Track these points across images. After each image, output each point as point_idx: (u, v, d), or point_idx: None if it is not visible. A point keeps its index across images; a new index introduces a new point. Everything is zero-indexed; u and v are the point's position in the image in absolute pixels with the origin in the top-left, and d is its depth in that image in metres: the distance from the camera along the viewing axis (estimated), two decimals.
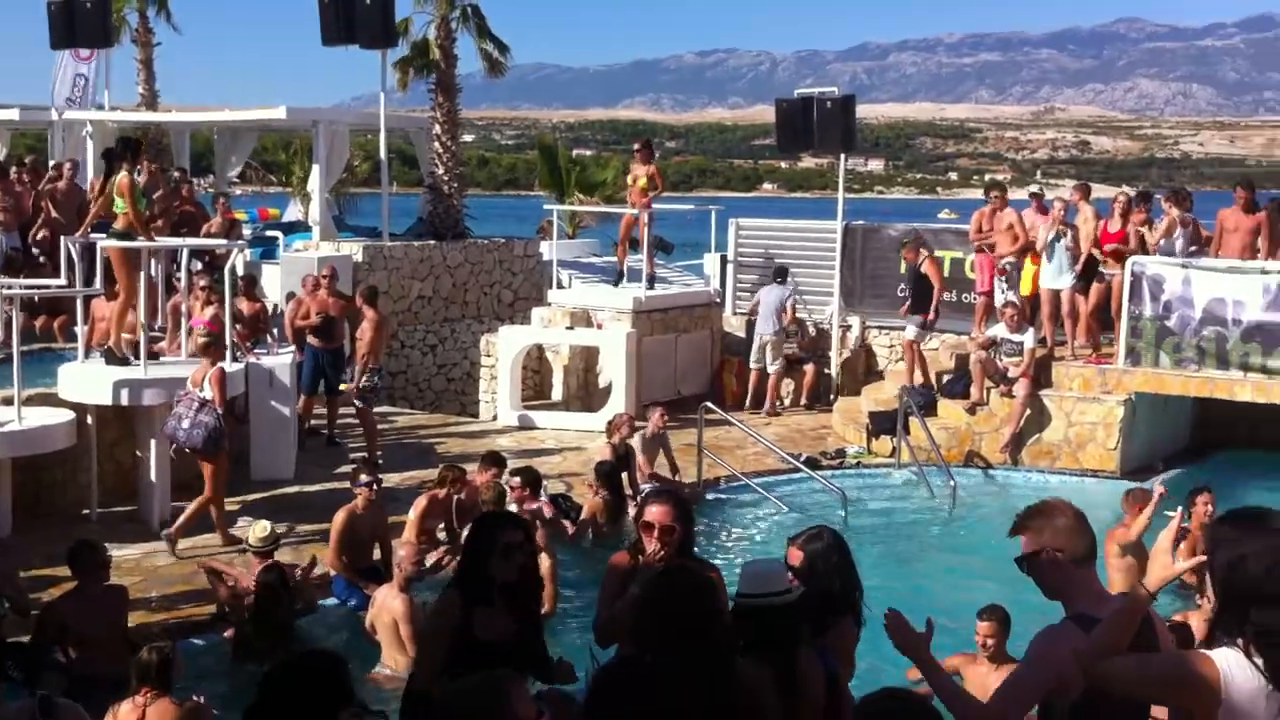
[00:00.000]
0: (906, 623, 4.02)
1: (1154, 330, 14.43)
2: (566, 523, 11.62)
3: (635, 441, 12.99)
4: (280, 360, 13.37)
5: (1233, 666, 3.08)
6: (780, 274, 17.49)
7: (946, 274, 17.22)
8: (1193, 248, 14.85)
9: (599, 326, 16.84)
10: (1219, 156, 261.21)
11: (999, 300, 15.39)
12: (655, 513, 5.16)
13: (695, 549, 5.57)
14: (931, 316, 15.70)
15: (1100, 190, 22.60)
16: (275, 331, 14.78)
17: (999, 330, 14.88)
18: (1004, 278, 15.42)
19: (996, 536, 12.78)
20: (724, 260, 19.27)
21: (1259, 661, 3.05)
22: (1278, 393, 13.82)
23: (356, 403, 14.04)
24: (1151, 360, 14.48)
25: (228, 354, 11.90)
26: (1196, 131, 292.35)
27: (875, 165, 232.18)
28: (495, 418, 16.39)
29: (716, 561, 11.42)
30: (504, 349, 16.42)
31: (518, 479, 10.98)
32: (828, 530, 5.36)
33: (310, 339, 14.55)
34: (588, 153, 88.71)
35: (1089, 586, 3.83)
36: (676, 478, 13.32)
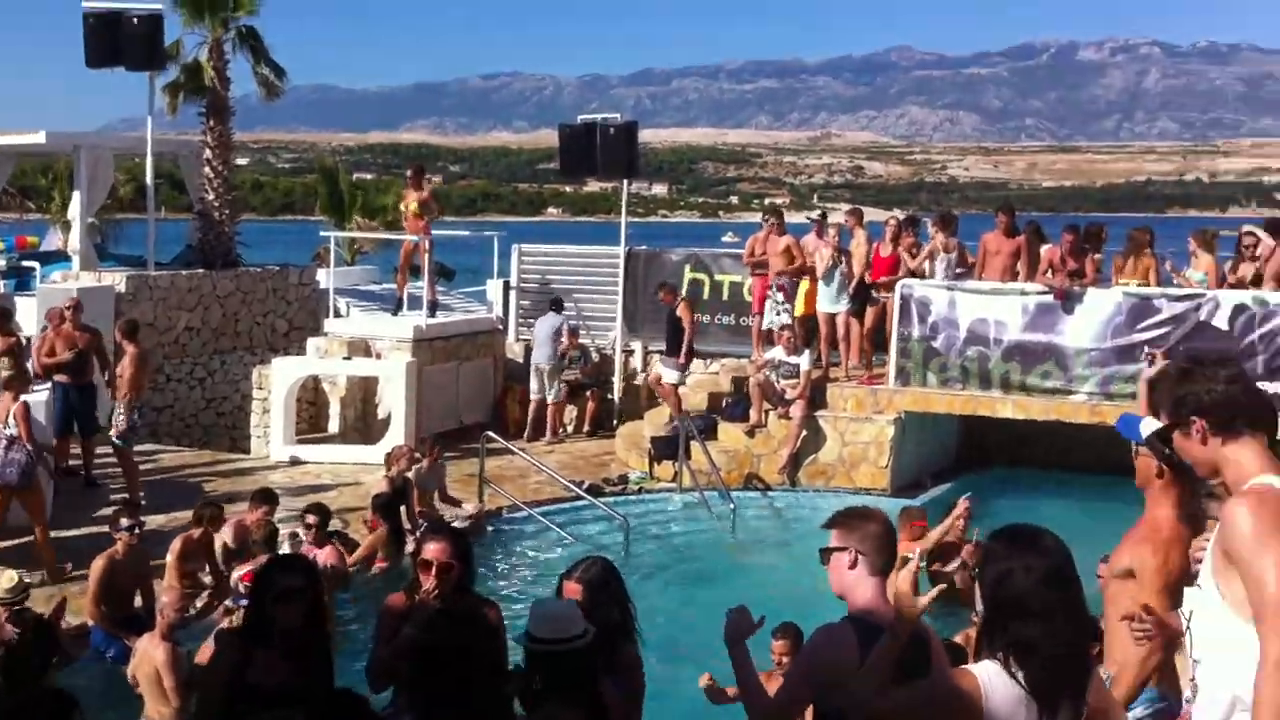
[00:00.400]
0: (749, 615, 4.05)
1: (922, 351, 14.90)
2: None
3: (413, 474, 12.70)
4: (36, 398, 12.62)
5: (992, 678, 3.16)
6: (555, 304, 17.43)
7: (726, 297, 17.49)
8: (959, 270, 15.42)
9: (378, 356, 16.45)
10: (984, 180, 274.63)
11: (769, 323, 15.66)
12: (433, 549, 5.04)
13: (475, 583, 5.44)
14: (683, 360, 15.88)
15: (873, 214, 23.33)
16: (30, 367, 13.94)
17: (776, 353, 15.13)
18: (781, 297, 15.65)
19: (775, 556, 13.03)
20: (507, 286, 19.10)
21: (1018, 673, 3.13)
22: (1037, 409, 14.43)
23: (116, 442, 13.30)
24: (920, 380, 14.95)
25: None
26: (963, 157, 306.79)
27: (659, 189, 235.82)
28: (268, 453, 15.81)
29: (501, 593, 11.33)
30: (277, 381, 15.86)
31: (313, 517, 10.58)
32: (599, 560, 5.27)
33: (58, 375, 13.76)
34: (369, 176, 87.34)
35: (875, 595, 3.92)
36: (458, 507, 13.11)
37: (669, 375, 15.79)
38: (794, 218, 19.62)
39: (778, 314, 15.58)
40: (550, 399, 16.93)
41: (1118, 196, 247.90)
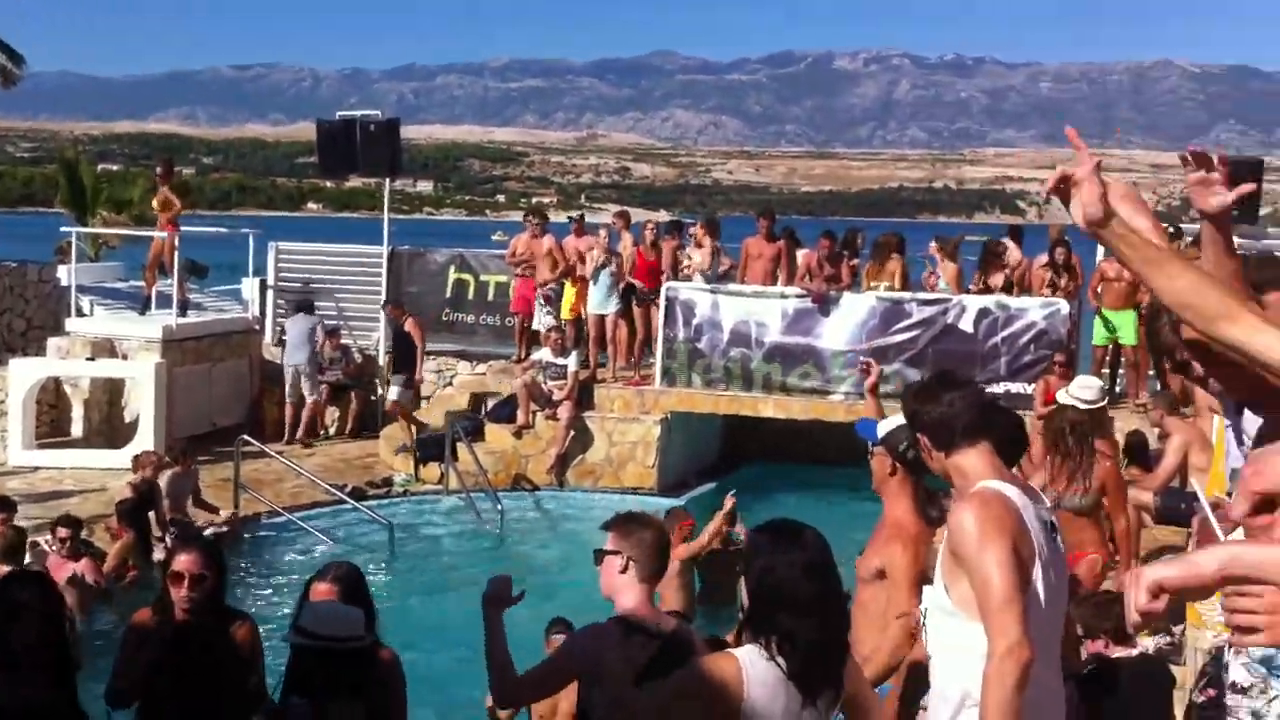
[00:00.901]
0: (509, 585, 4.19)
1: (687, 352, 15.11)
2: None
3: (163, 480, 12.14)
4: None
5: (754, 660, 3.22)
6: (305, 306, 16.88)
7: (492, 298, 17.32)
8: (721, 272, 15.69)
9: (124, 357, 15.66)
10: (746, 184, 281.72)
11: (537, 324, 15.64)
12: (183, 561, 4.86)
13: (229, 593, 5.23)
14: (419, 378, 15.75)
15: (641, 214, 23.56)
16: None
17: (543, 354, 15.09)
18: (546, 303, 15.65)
19: (544, 556, 12.99)
20: (264, 285, 18.43)
21: (780, 660, 3.20)
22: (797, 409, 14.80)
23: None
24: (685, 381, 15.16)
25: None
26: (726, 160, 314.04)
27: (424, 186, 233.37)
28: (5, 459, 14.84)
29: (260, 601, 10.93)
30: (15, 383, 14.91)
31: (65, 529, 9.95)
32: (345, 564, 5.15)
33: None
34: (115, 168, 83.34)
35: (641, 600, 3.98)
36: (215, 514, 12.61)
37: (393, 392, 15.57)
38: (560, 217, 19.64)
39: (545, 315, 15.56)
40: (309, 399, 16.44)
41: (872, 202, 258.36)
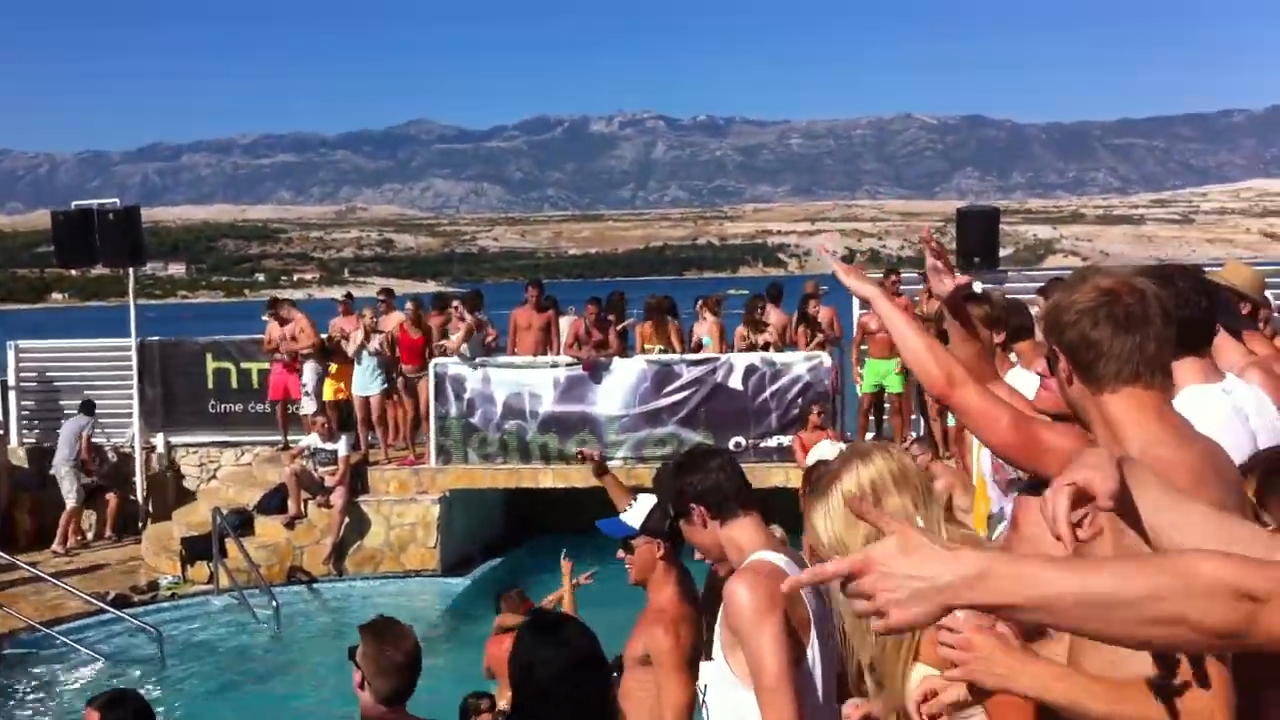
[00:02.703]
0: None
1: (460, 428, 14.91)
2: None
3: None
4: None
5: None
6: (86, 406, 16.07)
7: (256, 385, 16.72)
8: (489, 341, 15.59)
9: None
10: (513, 250, 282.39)
11: (305, 409, 15.23)
12: None
13: None
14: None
15: (410, 286, 23.24)
16: None
17: (312, 440, 14.65)
18: (307, 388, 15.28)
19: (323, 649, 12.56)
20: (4, 387, 17.35)
21: None
22: (577, 478, 14.70)
23: None
24: (461, 457, 14.94)
25: None
26: (491, 227, 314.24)
27: (176, 269, 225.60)
28: None
29: None
30: None
31: None
32: (130, 693, 4.87)
33: None
34: None
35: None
36: None
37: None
38: (329, 293, 19.13)
39: (310, 400, 15.17)
40: (69, 503, 15.54)
41: (638, 261, 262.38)
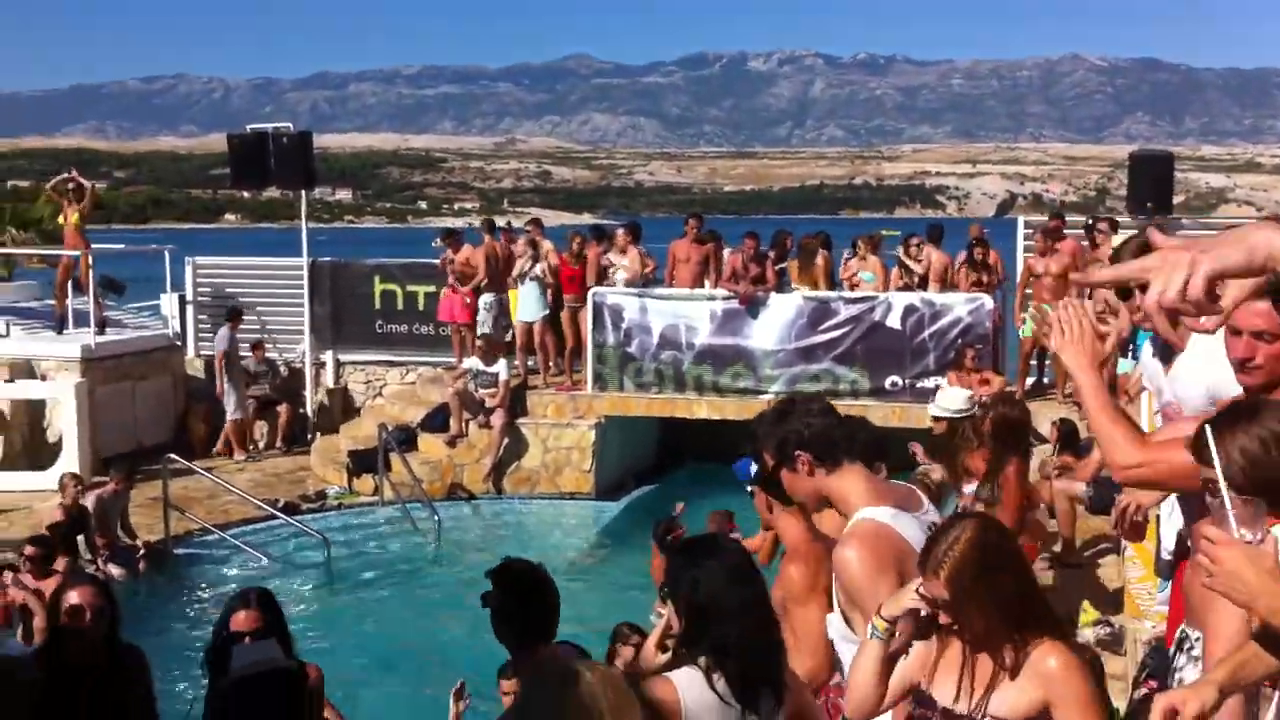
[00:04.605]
0: None
1: (617, 357, 15.11)
2: None
3: (90, 501, 11.91)
4: None
5: (690, 683, 3.21)
6: (231, 314, 16.62)
7: (422, 307, 17.13)
8: (648, 274, 15.74)
9: (43, 377, 15.34)
10: (668, 185, 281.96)
11: (486, 329, 15.54)
12: (75, 597, 4.76)
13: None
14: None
15: (565, 218, 23.44)
16: None
17: (473, 363, 15.01)
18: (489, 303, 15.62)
19: (482, 562, 12.94)
20: (183, 300, 18.10)
21: (717, 677, 3.20)
22: (730, 409, 14.85)
23: None
24: (617, 385, 15.16)
25: None
26: (647, 162, 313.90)
27: (343, 195, 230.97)
28: None
29: (197, 621, 10.71)
30: None
31: (33, 548, 9.67)
32: (258, 589, 5.13)
33: None
34: (25, 184, 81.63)
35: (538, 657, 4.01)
36: (134, 540, 12.39)
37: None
38: (476, 220, 19.48)
39: (483, 326, 15.50)
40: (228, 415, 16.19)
41: (794, 200, 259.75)
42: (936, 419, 9.27)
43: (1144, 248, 4.06)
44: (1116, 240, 10.29)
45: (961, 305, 14.52)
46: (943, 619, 2.97)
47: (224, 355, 16.12)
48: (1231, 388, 3.65)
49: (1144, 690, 4.73)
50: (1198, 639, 3.34)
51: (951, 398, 9.39)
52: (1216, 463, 2.34)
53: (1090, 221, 14.89)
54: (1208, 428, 2.81)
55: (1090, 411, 3.15)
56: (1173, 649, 3.68)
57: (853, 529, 3.40)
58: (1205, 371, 3.95)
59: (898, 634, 3.03)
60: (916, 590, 2.98)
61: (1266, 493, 2.61)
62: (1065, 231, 14.91)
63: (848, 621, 3.47)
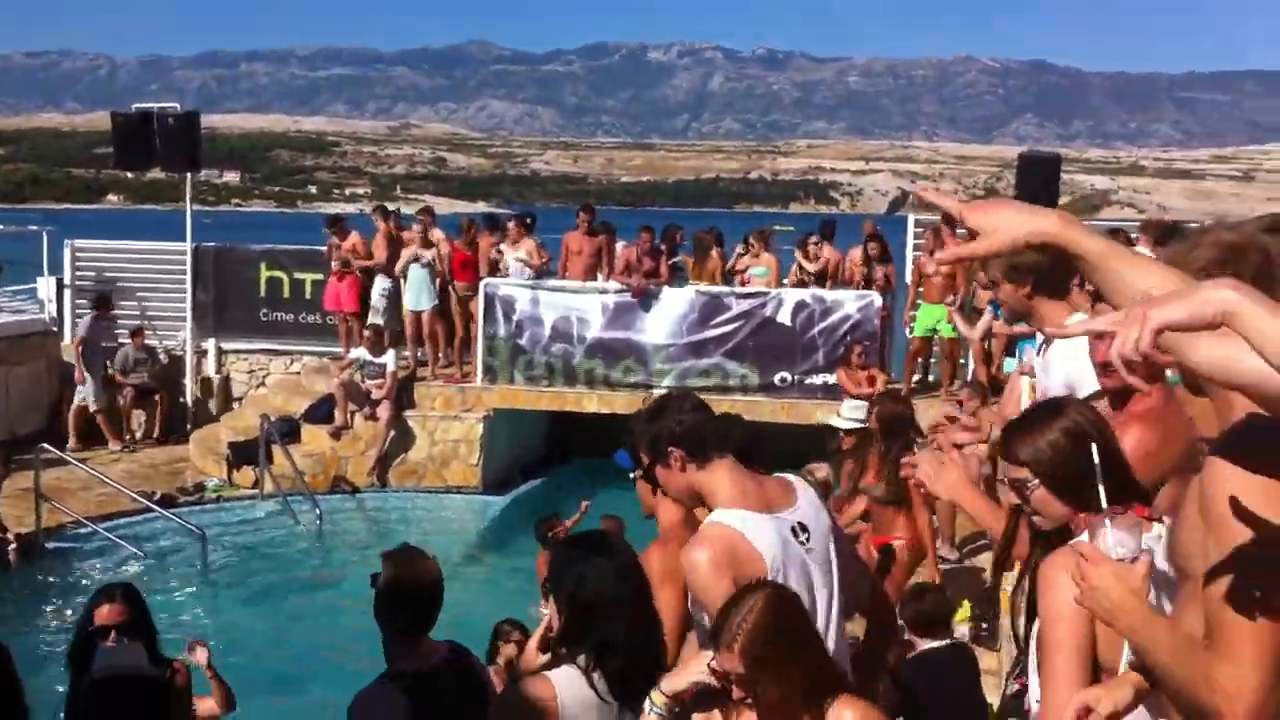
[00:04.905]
0: None
1: (508, 349, 14.99)
2: None
3: None
4: None
5: (569, 682, 3.20)
6: (98, 301, 16.14)
7: (309, 295, 16.80)
8: (540, 265, 15.61)
9: None
10: (565, 174, 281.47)
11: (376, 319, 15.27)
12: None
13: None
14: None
15: (459, 205, 23.21)
16: None
17: (360, 353, 14.77)
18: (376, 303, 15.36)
19: (364, 559, 12.76)
20: (60, 284, 17.55)
21: (597, 676, 3.20)
22: (620, 404, 14.80)
23: None
24: (507, 377, 15.03)
25: None
26: (543, 151, 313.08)
27: (231, 177, 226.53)
28: None
29: (63, 617, 10.41)
30: None
31: None
32: (123, 586, 5.08)
33: None
34: None
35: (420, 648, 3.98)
36: (4, 533, 11.96)
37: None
38: (368, 207, 19.22)
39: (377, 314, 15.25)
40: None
41: (690, 193, 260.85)
42: (848, 432, 9.45)
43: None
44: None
45: (851, 302, 14.65)
46: (736, 693, 2.97)
47: (81, 341, 15.64)
48: (1089, 380, 3.77)
49: (1016, 686, 4.79)
50: None
51: (855, 408, 9.58)
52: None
53: None
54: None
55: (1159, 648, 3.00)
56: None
57: (701, 531, 3.43)
58: (1068, 362, 4.03)
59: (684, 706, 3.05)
60: (709, 664, 2.99)
61: (1072, 486, 2.79)
62: (958, 231, 15.12)
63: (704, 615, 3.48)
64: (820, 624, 3.43)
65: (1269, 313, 1.63)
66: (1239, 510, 2.04)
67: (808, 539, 3.49)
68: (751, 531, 3.38)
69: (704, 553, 3.33)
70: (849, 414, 9.61)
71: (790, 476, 3.71)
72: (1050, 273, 4.02)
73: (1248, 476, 2.05)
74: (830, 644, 3.43)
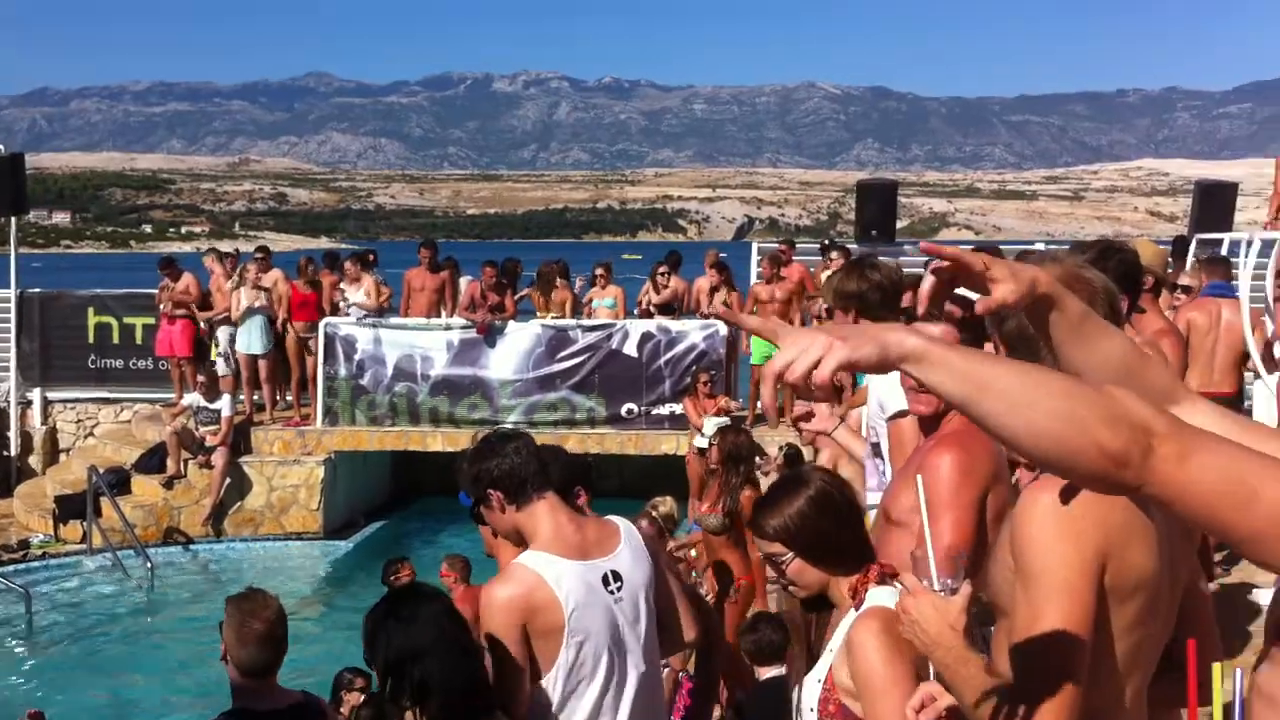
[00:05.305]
0: None
1: (349, 389, 14.63)
2: None
3: None
4: None
5: None
6: None
7: (139, 341, 16.17)
8: (382, 303, 15.32)
9: None
10: (410, 208, 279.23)
11: (221, 371, 14.75)
12: None
13: None
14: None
15: (300, 242, 22.72)
16: None
17: (194, 399, 14.25)
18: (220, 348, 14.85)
19: (197, 611, 12.31)
20: None
21: (421, 714, 3.22)
22: (466, 441, 14.43)
23: None
24: (349, 419, 14.67)
25: None
26: (388, 184, 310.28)
27: (61, 218, 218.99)
28: None
29: None
30: None
31: None
32: None
33: None
34: None
35: (271, 692, 3.98)
36: None
37: None
38: (220, 247, 18.67)
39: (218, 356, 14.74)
40: None
41: (538, 223, 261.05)
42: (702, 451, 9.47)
43: (852, 276, 4.21)
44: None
45: (696, 332, 14.66)
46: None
47: None
48: (897, 399, 3.89)
49: None
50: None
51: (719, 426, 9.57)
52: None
53: (824, 244, 15.37)
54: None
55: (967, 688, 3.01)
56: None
57: (505, 570, 3.50)
58: (881, 384, 4.17)
59: None
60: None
61: (825, 551, 2.92)
62: (795, 258, 15.27)
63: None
64: (622, 673, 3.51)
65: (953, 352, 1.63)
66: (1038, 547, 2.09)
67: (619, 588, 3.54)
68: (554, 578, 3.44)
69: (501, 591, 3.42)
70: (712, 433, 9.59)
71: (617, 521, 3.74)
72: (870, 300, 4.15)
73: (1051, 511, 2.07)
74: (630, 693, 3.53)
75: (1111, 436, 1.52)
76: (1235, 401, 8.46)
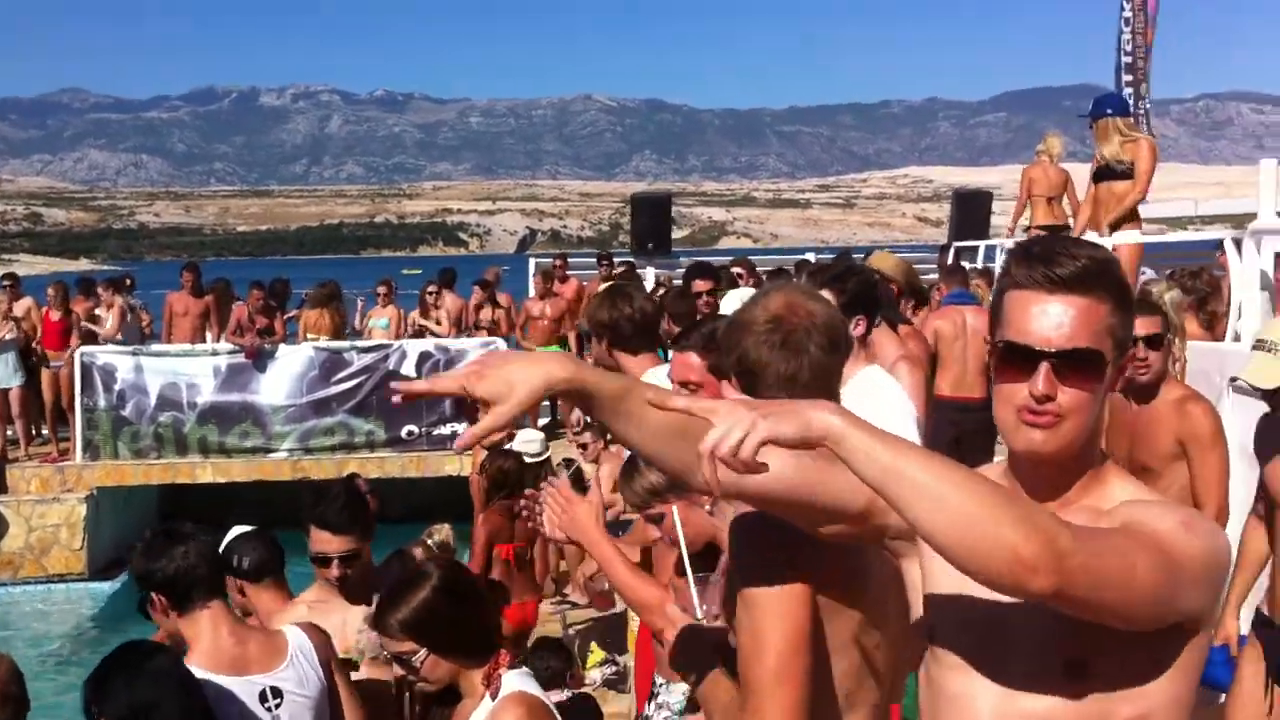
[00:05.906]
0: None
1: (110, 421, 14.00)
2: None
3: None
4: None
5: None
6: None
7: None
8: (143, 328, 14.76)
9: None
10: (176, 226, 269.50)
11: None
12: None
13: None
14: None
15: (59, 264, 21.63)
16: None
17: None
18: None
19: None
20: None
21: None
22: (238, 471, 14.12)
23: None
24: (111, 452, 14.04)
25: None
26: (151, 202, 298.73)
27: None
28: None
29: None
30: None
31: None
32: None
33: None
34: None
35: None
36: None
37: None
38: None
39: None
40: None
41: (313, 239, 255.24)
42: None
43: (604, 306, 4.24)
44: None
45: (475, 350, 14.53)
46: None
47: None
48: None
49: None
50: (662, 685, 3.60)
51: (529, 441, 9.17)
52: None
53: (600, 256, 15.50)
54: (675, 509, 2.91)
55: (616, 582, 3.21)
56: (647, 699, 3.79)
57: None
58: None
59: None
60: None
61: (457, 641, 3.01)
62: (573, 273, 15.33)
63: None
64: None
65: (872, 438, 1.65)
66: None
67: (278, 705, 3.39)
68: (211, 696, 3.27)
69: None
70: (524, 447, 9.23)
71: (289, 633, 3.55)
72: (622, 331, 4.23)
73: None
74: None
75: (1024, 543, 1.56)
76: (986, 406, 8.82)
